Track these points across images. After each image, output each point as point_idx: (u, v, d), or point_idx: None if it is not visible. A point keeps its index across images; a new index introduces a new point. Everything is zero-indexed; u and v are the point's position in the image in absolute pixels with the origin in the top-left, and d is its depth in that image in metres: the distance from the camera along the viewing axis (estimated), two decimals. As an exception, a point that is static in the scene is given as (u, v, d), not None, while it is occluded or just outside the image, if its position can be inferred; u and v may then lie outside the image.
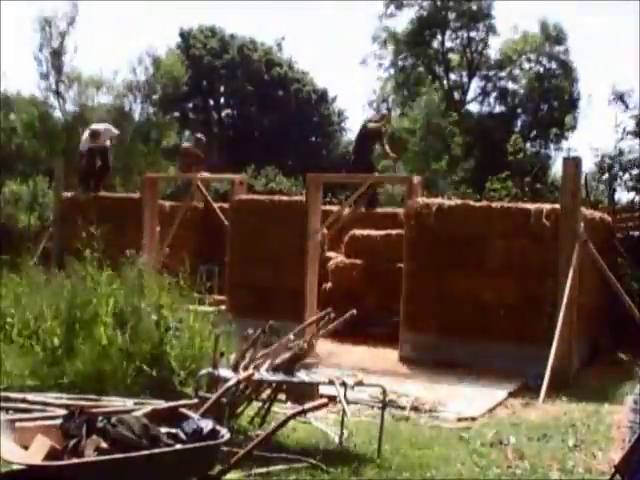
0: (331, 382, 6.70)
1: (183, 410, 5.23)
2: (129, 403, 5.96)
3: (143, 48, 28.62)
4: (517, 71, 40.34)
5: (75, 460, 4.41)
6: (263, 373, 6.57)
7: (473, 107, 41.95)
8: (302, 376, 6.73)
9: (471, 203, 11.25)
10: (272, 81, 40.61)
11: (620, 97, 16.03)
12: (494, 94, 41.09)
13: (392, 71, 42.27)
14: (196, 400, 5.95)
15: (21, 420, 4.90)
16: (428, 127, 29.80)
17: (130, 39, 49.37)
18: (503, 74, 40.75)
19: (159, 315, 7.93)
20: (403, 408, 8.18)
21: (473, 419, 8.08)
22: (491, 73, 41.26)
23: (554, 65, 39.04)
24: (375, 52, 42.07)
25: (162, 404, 5.63)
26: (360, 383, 6.86)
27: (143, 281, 8.69)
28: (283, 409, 7.16)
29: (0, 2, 25.39)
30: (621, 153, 15.16)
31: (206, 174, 15.57)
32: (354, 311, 7.11)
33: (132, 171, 26.79)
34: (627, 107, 15.90)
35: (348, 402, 7.17)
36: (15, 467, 4.48)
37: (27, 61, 49.16)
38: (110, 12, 53.50)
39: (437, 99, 30.46)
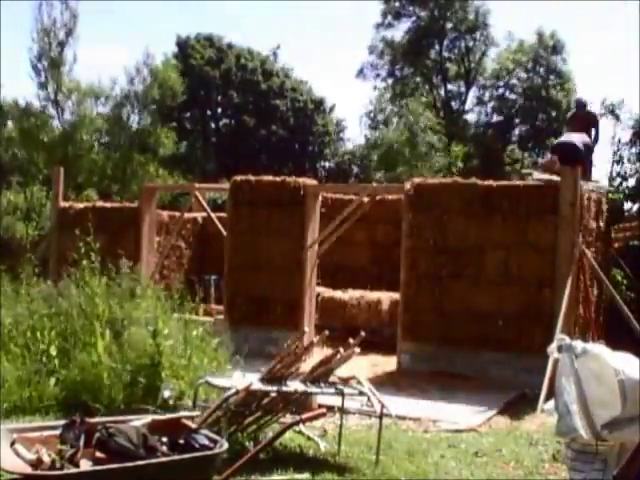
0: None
1: (183, 420, 5.23)
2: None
3: (140, 58, 28.57)
4: (515, 81, 40.44)
5: (71, 470, 4.39)
6: (259, 383, 6.55)
7: (471, 117, 42.11)
8: (299, 386, 6.71)
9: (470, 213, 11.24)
10: (269, 91, 40.67)
11: (611, 110, 16.04)
12: (492, 104, 41.22)
13: (389, 81, 42.40)
14: (197, 412, 5.94)
15: (21, 430, 4.89)
16: (414, 137, 29.82)
17: (128, 48, 49.44)
18: (501, 84, 40.87)
19: (154, 325, 7.92)
20: (401, 418, 8.16)
21: (471, 429, 8.08)
22: (489, 83, 41.38)
23: (551, 75, 39.14)
24: (372, 62, 42.24)
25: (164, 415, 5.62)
26: (362, 393, 6.84)
27: (139, 291, 8.71)
28: (281, 419, 7.15)
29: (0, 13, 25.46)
30: (619, 163, 15.19)
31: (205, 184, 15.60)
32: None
33: (130, 180, 26.82)
34: (618, 119, 15.91)
35: (346, 412, 7.19)
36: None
37: (25, 70, 49.20)
38: (109, 20, 53.69)
39: (422, 109, 30.48)
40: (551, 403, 5.54)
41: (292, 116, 40.91)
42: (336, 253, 13.41)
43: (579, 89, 38.59)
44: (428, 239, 10.98)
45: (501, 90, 40.97)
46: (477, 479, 6.33)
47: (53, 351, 8.16)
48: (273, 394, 6.59)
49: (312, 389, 6.73)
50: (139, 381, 7.64)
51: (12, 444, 4.56)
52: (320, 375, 6.79)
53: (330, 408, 7.15)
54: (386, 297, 13.15)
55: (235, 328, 10.08)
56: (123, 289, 8.69)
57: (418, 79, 41.88)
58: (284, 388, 6.56)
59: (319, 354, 7.44)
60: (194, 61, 39.06)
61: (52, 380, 7.92)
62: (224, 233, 13.14)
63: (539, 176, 11.11)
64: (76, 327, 8.31)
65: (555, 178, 10.55)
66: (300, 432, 7.04)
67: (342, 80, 66.43)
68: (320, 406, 7.17)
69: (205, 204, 15.01)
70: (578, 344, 5.25)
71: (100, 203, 15.96)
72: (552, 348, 5.30)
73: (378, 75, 42.39)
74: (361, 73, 42.59)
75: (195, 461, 4.67)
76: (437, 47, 41.34)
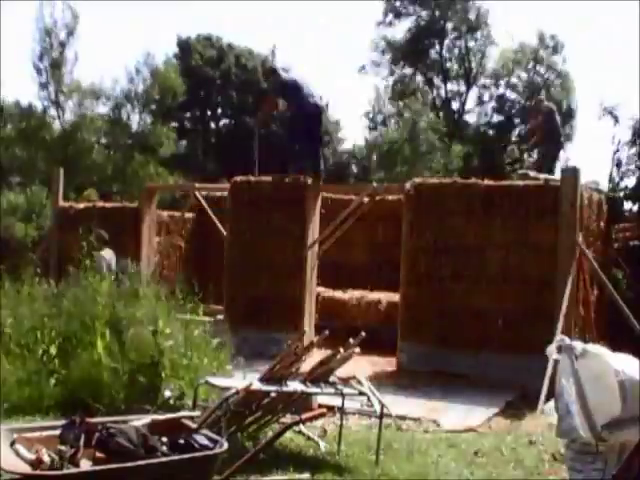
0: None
1: (183, 421, 5.23)
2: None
3: (141, 58, 28.64)
4: (515, 81, 40.45)
5: (71, 470, 4.39)
6: (259, 383, 6.54)
7: (471, 117, 42.10)
8: (299, 386, 6.71)
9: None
10: (269, 91, 40.62)
11: (610, 112, 16.06)
12: (492, 104, 41.23)
13: (389, 81, 42.40)
14: (198, 412, 5.94)
15: (21, 430, 4.89)
16: (417, 137, 29.85)
17: (128, 48, 49.49)
18: (501, 83, 40.87)
19: (155, 325, 7.93)
20: (401, 418, 8.16)
21: (471, 429, 8.07)
22: (489, 82, 41.38)
23: (551, 75, 39.14)
24: (372, 62, 42.23)
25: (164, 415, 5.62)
26: (362, 393, 6.84)
27: (140, 291, 8.71)
28: (281, 419, 7.15)
29: (0, 13, 25.49)
30: (619, 163, 15.20)
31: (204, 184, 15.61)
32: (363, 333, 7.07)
33: (130, 180, 26.84)
34: (617, 121, 15.93)
35: (345, 412, 7.18)
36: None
37: (26, 71, 49.21)
38: (109, 21, 53.68)
39: (424, 109, 30.52)
40: (551, 403, 5.54)
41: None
42: (336, 253, 13.41)
43: (579, 89, 38.62)
44: (428, 239, 10.98)
45: (501, 90, 40.98)
46: (477, 479, 6.33)
47: (53, 351, 8.16)
48: (273, 394, 6.59)
49: (312, 389, 6.73)
50: (139, 381, 7.65)
51: (12, 444, 4.56)
52: (320, 375, 6.80)
53: (330, 408, 7.15)
54: (386, 297, 13.14)
55: (235, 328, 10.08)
56: (125, 289, 8.70)
57: (418, 79, 41.87)
58: (284, 388, 6.55)
59: (319, 354, 7.42)
60: (194, 61, 39.07)
61: (52, 380, 7.92)
62: (224, 233, 13.14)
63: (536, 175, 11.16)
64: (77, 327, 8.31)
65: (551, 177, 10.60)
66: (300, 432, 7.05)
67: (342, 80, 66.44)
68: (320, 406, 7.17)
69: (205, 204, 15.01)
70: (578, 344, 5.25)
71: (100, 203, 15.96)
72: (551, 349, 5.31)
73: (378, 75, 42.42)
74: (361, 73, 42.61)
75: (195, 461, 4.67)
76: (437, 47, 41.34)
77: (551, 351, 5.29)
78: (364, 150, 38.72)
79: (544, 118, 14.61)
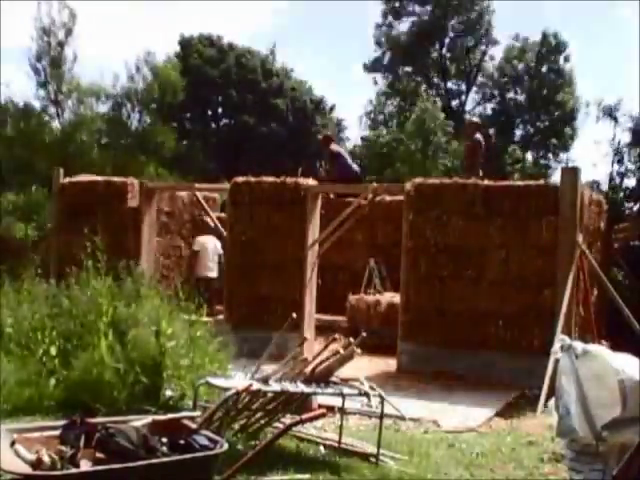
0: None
1: (183, 421, 5.23)
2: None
3: (142, 56, 28.60)
4: (516, 80, 40.37)
5: (71, 470, 4.40)
6: (259, 383, 6.54)
7: (471, 117, 42.00)
8: (300, 386, 6.71)
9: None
10: (270, 90, 40.64)
11: (608, 113, 16.05)
12: (492, 104, 41.18)
13: (390, 80, 42.35)
14: (198, 412, 5.94)
15: (21, 430, 4.89)
16: (424, 138, 29.79)
17: (129, 47, 49.43)
18: (502, 83, 40.80)
19: (157, 325, 7.93)
20: (401, 418, 8.16)
21: (471, 429, 8.07)
22: (490, 82, 41.33)
23: (553, 75, 39.07)
24: (373, 62, 42.19)
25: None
26: (363, 394, 6.84)
27: (141, 291, 8.71)
28: (281, 419, 7.15)
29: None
30: (620, 163, 15.22)
31: (205, 184, 15.62)
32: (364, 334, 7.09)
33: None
34: (616, 121, 15.93)
35: (345, 412, 7.18)
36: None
37: (24, 71, 49.17)
38: (109, 19, 53.65)
39: (432, 108, 30.42)
40: (551, 403, 5.54)
41: (293, 116, 40.85)
42: (336, 253, 13.40)
43: (580, 89, 38.53)
44: (428, 239, 10.98)
45: (503, 90, 40.91)
46: (477, 479, 6.33)
47: (54, 351, 8.15)
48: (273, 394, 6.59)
49: (312, 389, 6.73)
50: (141, 381, 7.65)
51: (12, 444, 4.56)
52: (321, 375, 6.80)
53: (330, 408, 7.15)
54: (385, 298, 13.13)
55: (235, 328, 10.09)
56: (127, 289, 8.69)
57: (419, 78, 41.83)
58: (284, 388, 6.56)
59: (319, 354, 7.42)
60: (195, 60, 39.06)
61: (52, 380, 7.91)
62: (224, 233, 13.14)
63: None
64: (78, 327, 8.30)
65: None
66: (307, 433, 7.06)
67: (342, 80, 66.45)
68: (320, 406, 7.17)
69: (205, 204, 15.02)
70: (578, 345, 5.26)
71: (100, 203, 15.92)
72: (556, 349, 5.32)
73: (378, 74, 42.39)
74: (361, 73, 42.64)
75: (195, 461, 4.67)
76: (438, 46, 41.32)
77: (556, 350, 5.30)
78: (364, 150, 38.68)
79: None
